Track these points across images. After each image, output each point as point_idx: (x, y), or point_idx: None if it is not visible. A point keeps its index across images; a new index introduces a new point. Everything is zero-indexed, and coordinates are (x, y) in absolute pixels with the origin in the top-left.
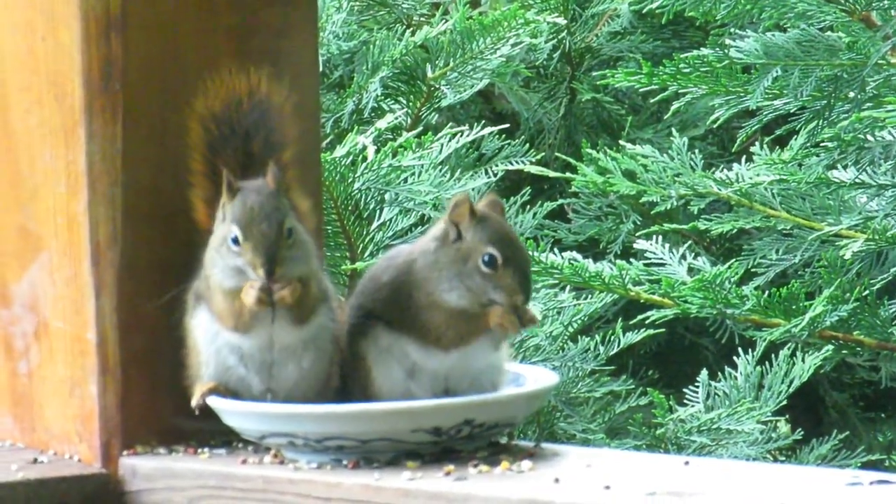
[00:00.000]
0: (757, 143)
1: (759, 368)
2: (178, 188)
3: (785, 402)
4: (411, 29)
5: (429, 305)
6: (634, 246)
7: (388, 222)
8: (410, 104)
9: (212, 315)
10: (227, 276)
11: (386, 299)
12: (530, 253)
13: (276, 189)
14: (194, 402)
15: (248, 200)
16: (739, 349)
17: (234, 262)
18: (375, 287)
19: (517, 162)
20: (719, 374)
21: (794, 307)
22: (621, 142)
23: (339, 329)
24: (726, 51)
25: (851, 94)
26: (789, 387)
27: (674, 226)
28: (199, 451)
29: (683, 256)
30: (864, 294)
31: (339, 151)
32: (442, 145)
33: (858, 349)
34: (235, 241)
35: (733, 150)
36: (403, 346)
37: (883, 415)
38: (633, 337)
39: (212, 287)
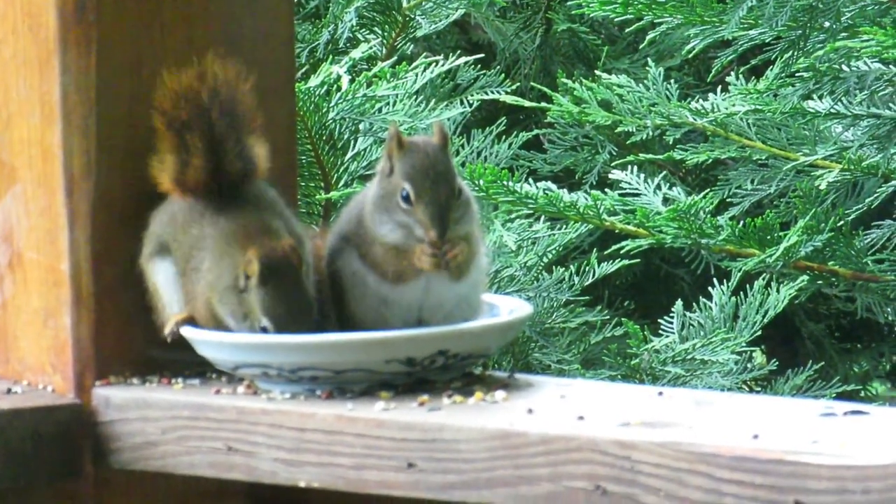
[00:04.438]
0: (732, 74)
1: (734, 299)
2: (152, 120)
3: (760, 333)
4: None
5: (372, 238)
6: (610, 176)
7: (362, 152)
8: (385, 34)
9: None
10: None
11: (355, 228)
12: (506, 184)
13: None
14: (167, 329)
15: None
16: (714, 280)
17: None
18: (349, 216)
19: (493, 92)
20: (694, 304)
21: (768, 237)
22: (597, 72)
23: (316, 253)
24: None
25: (826, 24)
26: (764, 317)
27: (649, 156)
28: (173, 381)
29: (658, 187)
30: (838, 224)
31: (314, 81)
32: (417, 75)
33: (833, 280)
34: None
35: (709, 80)
36: (366, 276)
37: (858, 345)
38: (609, 267)
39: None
